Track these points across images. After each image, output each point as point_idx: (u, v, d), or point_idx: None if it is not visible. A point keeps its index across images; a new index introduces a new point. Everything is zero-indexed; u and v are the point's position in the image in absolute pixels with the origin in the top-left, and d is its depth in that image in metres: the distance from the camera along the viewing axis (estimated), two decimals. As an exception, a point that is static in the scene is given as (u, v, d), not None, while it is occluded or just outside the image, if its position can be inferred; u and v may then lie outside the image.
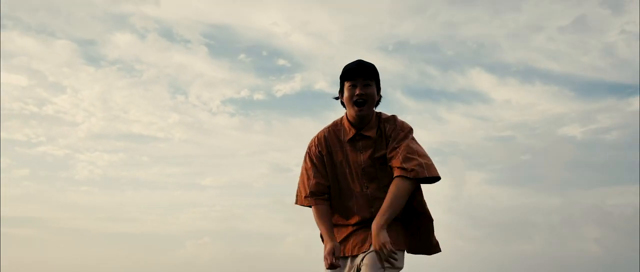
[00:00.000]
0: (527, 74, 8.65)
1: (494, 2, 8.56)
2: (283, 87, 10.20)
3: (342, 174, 2.01)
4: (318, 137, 2.08)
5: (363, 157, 1.99)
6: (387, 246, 1.75)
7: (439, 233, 2.04)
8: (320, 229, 2.01)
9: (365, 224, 1.95)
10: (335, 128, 2.08)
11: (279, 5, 9.86)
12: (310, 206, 2.04)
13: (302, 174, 2.10)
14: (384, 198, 1.88)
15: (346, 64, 2.03)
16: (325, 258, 1.88)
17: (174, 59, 10.35)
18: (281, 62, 9.78)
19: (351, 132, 2.01)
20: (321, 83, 9.65)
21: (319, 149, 2.05)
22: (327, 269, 1.88)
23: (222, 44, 10.13)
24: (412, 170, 1.86)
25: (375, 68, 2.01)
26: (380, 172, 1.97)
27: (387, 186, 1.91)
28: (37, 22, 9.85)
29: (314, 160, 2.05)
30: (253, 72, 10.26)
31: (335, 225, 2.03)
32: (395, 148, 1.93)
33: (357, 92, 1.94)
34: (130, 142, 10.70)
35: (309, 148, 2.09)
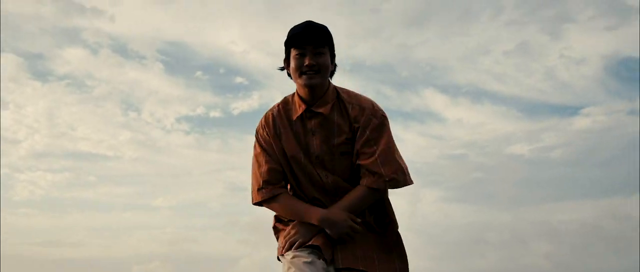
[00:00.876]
0: (477, 95, 9.23)
1: (445, 26, 9.08)
2: (240, 105, 10.13)
3: (295, 161, 1.63)
4: (265, 117, 1.71)
5: (315, 141, 1.62)
6: (353, 221, 1.52)
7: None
8: (294, 216, 1.62)
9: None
10: (285, 105, 1.71)
11: (237, 24, 9.85)
12: (267, 201, 1.65)
13: (252, 164, 1.71)
14: (348, 189, 1.59)
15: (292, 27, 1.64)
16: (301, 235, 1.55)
17: (128, 75, 10.07)
18: (239, 79, 9.69)
19: (301, 109, 1.63)
20: (279, 101, 9.70)
21: (266, 131, 1.67)
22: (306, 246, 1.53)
23: (178, 61, 9.97)
24: (391, 178, 1.54)
25: (328, 31, 1.63)
26: (339, 163, 1.61)
27: (350, 179, 1.61)
28: (-20, 35, 9.40)
29: (263, 144, 1.67)
30: (210, 89, 10.12)
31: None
32: (369, 142, 1.58)
33: (306, 62, 1.57)
34: (77, 160, 10.20)
35: (257, 132, 1.71)
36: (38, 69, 9.51)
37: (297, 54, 1.58)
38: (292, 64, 1.60)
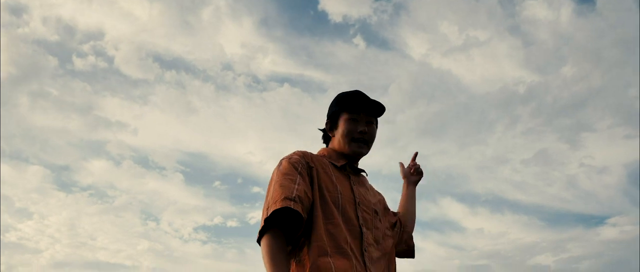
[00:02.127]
0: (497, 204, 8.97)
1: (460, 137, 9.19)
2: (257, 215, 10.10)
3: (333, 198, 1.49)
4: (302, 152, 1.57)
5: (356, 190, 1.56)
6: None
7: None
8: (274, 265, 1.35)
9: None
10: (318, 154, 1.62)
11: (254, 135, 10.22)
12: (273, 225, 1.39)
13: (275, 181, 1.46)
14: (377, 261, 1.49)
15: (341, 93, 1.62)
16: None
17: (148, 185, 10.26)
18: (256, 189, 9.80)
19: (341, 161, 1.59)
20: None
21: (304, 161, 1.52)
22: None
23: (197, 171, 10.20)
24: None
25: (383, 107, 1.59)
26: (372, 218, 1.55)
27: (381, 248, 1.53)
28: (13, 148, 9.79)
29: (299, 169, 1.49)
30: (227, 199, 10.21)
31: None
32: (400, 220, 1.77)
33: (360, 129, 1.56)
34: (96, 270, 10.02)
35: (290, 158, 1.53)
36: (63, 180, 9.77)
37: (349, 119, 1.57)
38: (342, 127, 1.57)
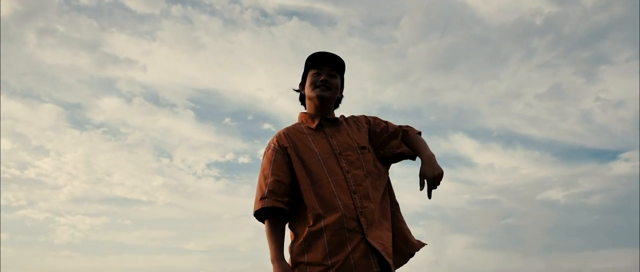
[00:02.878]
0: (509, 139, 8.89)
1: (473, 71, 8.99)
2: (269, 151, 10.31)
3: (313, 163, 1.73)
4: (278, 134, 1.85)
5: (335, 141, 1.80)
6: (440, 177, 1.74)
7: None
8: (269, 245, 1.69)
9: (358, 223, 1.63)
10: (294, 126, 1.88)
11: (264, 72, 10.20)
12: (266, 212, 1.73)
13: (259, 178, 1.79)
14: (371, 191, 1.71)
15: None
16: None
17: (160, 122, 10.48)
18: (266, 126, 9.94)
19: (316, 121, 1.85)
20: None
21: (280, 143, 1.80)
22: None
23: (208, 108, 10.32)
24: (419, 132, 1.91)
25: (343, 61, 1.88)
26: (362, 158, 1.78)
27: (374, 176, 1.76)
28: (23, 86, 10.04)
29: (275, 155, 1.78)
30: (239, 136, 10.38)
31: (313, 230, 1.66)
32: (384, 127, 1.89)
33: (322, 78, 1.84)
34: (113, 205, 10.54)
35: (268, 146, 1.83)
36: (76, 118, 10.03)
37: (314, 73, 1.87)
38: (309, 80, 1.88)
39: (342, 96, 1.95)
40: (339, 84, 1.89)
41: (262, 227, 1.76)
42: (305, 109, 1.95)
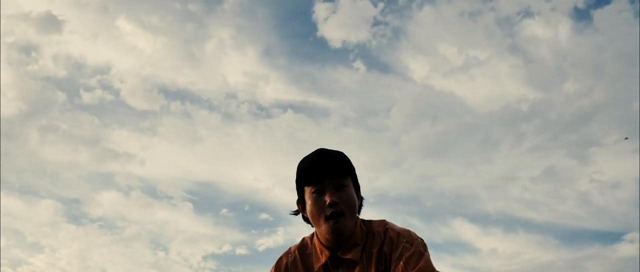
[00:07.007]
0: (509, 223, 8.80)
1: (466, 156, 9.15)
2: (266, 241, 10.15)
3: None
4: (277, 264, 1.40)
5: None
6: None
7: None
8: None
9: None
10: (303, 250, 1.39)
11: (261, 163, 10.31)
12: None
13: None
14: None
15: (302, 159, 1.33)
16: None
17: (157, 215, 10.38)
18: (263, 216, 9.84)
19: (324, 256, 1.31)
20: (304, 235, 9.65)
21: None
22: None
23: (205, 199, 10.28)
24: None
25: (346, 157, 1.31)
26: None
27: None
28: (23, 183, 10.02)
29: None
30: (236, 227, 10.24)
31: None
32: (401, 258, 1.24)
33: (328, 201, 1.24)
34: (105, 302, 10.08)
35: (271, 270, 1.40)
36: (73, 213, 9.92)
37: (313, 192, 1.27)
38: (310, 205, 1.28)
39: (361, 201, 1.35)
40: (353, 192, 1.29)
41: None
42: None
